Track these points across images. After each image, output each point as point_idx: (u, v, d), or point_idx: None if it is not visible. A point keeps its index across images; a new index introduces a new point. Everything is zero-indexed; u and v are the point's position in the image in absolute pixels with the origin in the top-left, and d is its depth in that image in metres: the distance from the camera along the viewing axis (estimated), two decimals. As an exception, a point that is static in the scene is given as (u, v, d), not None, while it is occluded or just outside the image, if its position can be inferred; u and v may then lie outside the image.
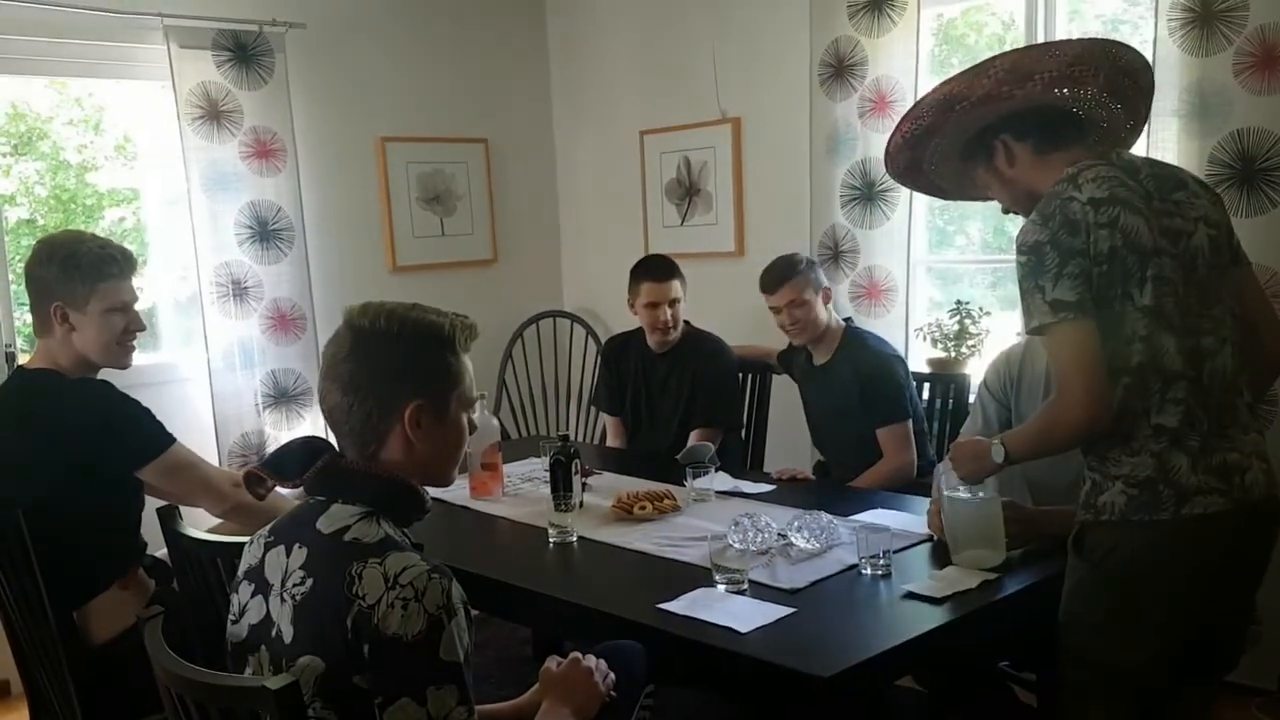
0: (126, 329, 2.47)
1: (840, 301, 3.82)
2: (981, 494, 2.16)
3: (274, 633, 1.50)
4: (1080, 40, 2.00)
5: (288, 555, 1.52)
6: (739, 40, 4.27)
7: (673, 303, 3.50)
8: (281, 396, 4.14)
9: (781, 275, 3.22)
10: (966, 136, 2.06)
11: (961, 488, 2.17)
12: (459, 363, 1.61)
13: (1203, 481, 1.83)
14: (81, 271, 2.39)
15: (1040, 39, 3.53)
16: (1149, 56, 3.05)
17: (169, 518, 2.24)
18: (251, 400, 4.06)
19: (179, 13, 3.81)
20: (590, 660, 1.82)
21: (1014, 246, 1.90)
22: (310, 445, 1.61)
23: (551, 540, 2.50)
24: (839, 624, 1.99)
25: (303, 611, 1.45)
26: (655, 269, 3.54)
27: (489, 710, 1.86)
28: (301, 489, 1.60)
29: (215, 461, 3.77)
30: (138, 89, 3.97)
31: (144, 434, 2.41)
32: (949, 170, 2.18)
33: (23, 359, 3.65)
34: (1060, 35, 3.56)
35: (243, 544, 2.17)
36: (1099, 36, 2.09)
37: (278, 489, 1.63)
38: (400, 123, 4.54)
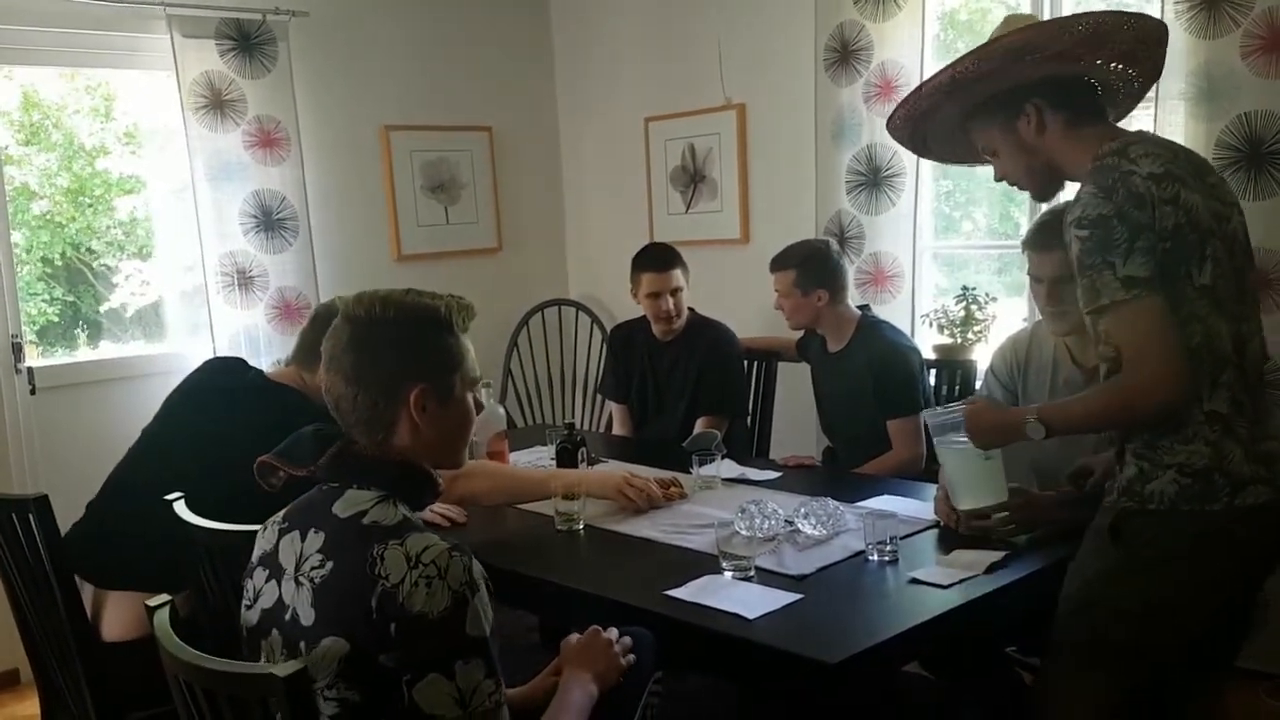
0: None
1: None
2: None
3: (288, 616, 1.50)
4: (1149, 19, 1.94)
5: (303, 540, 1.53)
6: (743, 25, 4.25)
7: (675, 291, 3.50)
8: (287, 386, 4.14)
9: (776, 262, 3.25)
10: (991, 94, 1.96)
11: (960, 439, 2.12)
12: (459, 343, 1.62)
13: (1254, 471, 1.78)
14: None
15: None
16: (1156, 39, 3.08)
17: (171, 505, 2.23)
18: (258, 390, 4.06)
19: (182, 1, 3.80)
20: (610, 632, 1.86)
21: (1071, 220, 1.80)
22: (321, 433, 1.63)
23: (558, 528, 2.50)
24: (846, 610, 1.98)
25: (324, 594, 1.46)
26: (655, 259, 3.53)
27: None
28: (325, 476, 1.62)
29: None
30: (142, 78, 3.96)
31: None
32: (943, 129, 2.09)
33: (31, 351, 3.69)
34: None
35: (246, 531, 2.18)
36: (1159, 18, 2.03)
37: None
38: (404, 111, 4.54)
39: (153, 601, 1.58)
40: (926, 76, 2.07)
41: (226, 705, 1.42)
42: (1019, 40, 1.88)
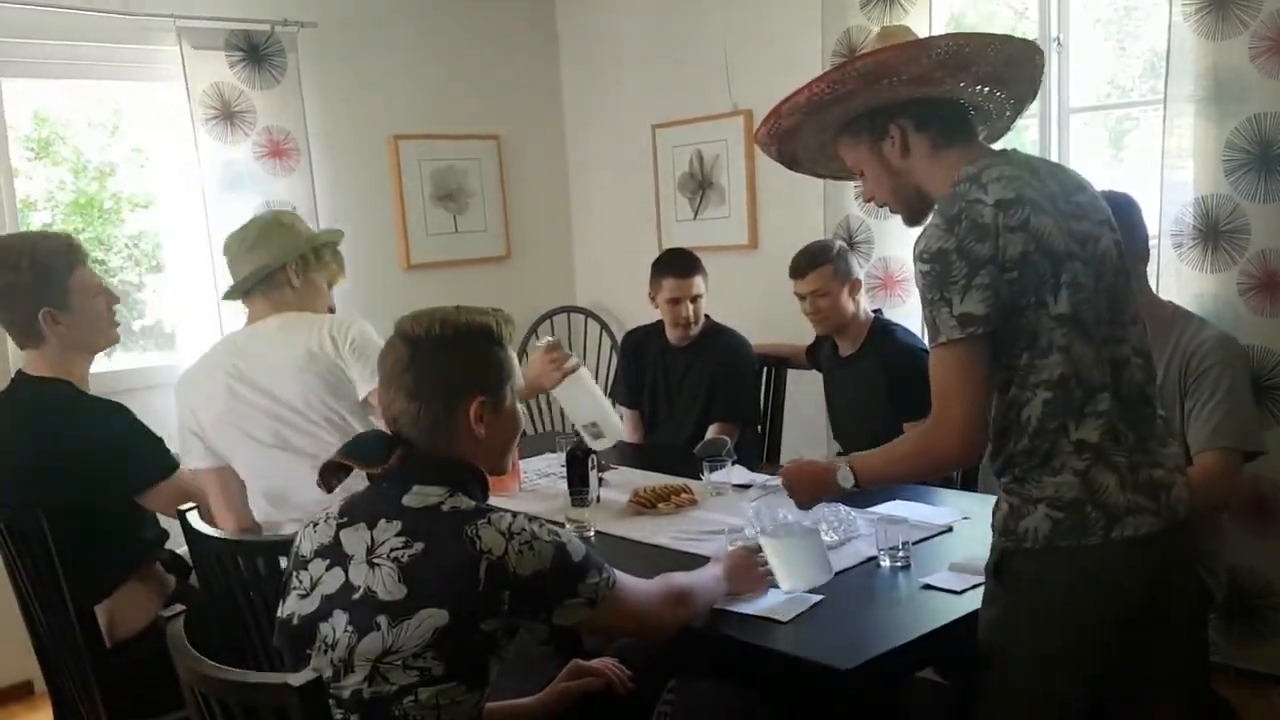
0: (109, 307, 2.53)
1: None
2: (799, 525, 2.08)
3: (357, 596, 1.58)
4: (1017, 41, 1.83)
5: (371, 529, 1.61)
6: (750, 32, 4.26)
7: (695, 298, 3.50)
8: (298, 395, 4.15)
9: (810, 261, 3.20)
10: (855, 113, 1.88)
11: (775, 528, 2.07)
12: (508, 356, 1.74)
13: (1132, 501, 1.69)
14: (56, 271, 2.40)
15: (1053, 28, 3.52)
16: (1164, 42, 3.07)
17: (185, 515, 2.25)
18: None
19: (192, 14, 3.83)
20: (759, 554, 2.07)
21: (916, 253, 1.72)
22: (384, 435, 1.72)
23: (569, 535, 2.50)
24: (858, 616, 1.98)
25: (415, 570, 1.55)
26: (679, 264, 3.53)
27: (508, 707, 1.87)
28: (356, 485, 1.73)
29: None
30: (152, 91, 3.98)
31: (148, 462, 2.46)
32: (813, 144, 2.01)
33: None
34: (1074, 25, 3.54)
35: (264, 542, 2.20)
36: (1027, 38, 1.88)
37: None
38: (413, 120, 4.55)
39: (167, 613, 1.59)
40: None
41: (241, 714, 1.43)
42: (872, 63, 1.78)
